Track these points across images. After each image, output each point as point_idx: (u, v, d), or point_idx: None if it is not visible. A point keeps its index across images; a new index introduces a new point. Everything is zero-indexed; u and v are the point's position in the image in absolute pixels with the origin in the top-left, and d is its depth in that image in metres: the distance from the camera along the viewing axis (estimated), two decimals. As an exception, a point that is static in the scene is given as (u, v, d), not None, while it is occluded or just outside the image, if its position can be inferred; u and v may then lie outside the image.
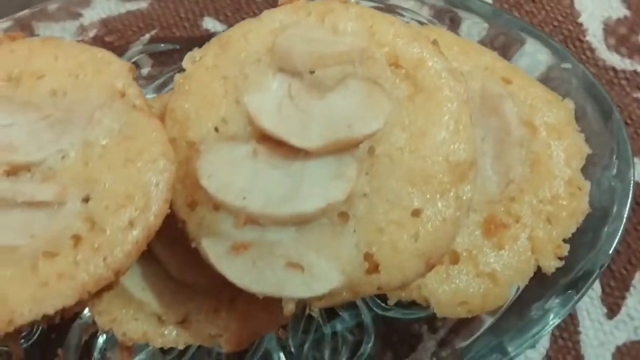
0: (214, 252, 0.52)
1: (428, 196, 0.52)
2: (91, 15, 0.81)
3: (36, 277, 0.49)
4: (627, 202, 0.65)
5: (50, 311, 0.48)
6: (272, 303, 0.52)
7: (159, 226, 0.52)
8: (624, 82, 0.79)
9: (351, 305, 0.68)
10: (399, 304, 0.63)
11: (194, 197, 0.54)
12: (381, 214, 0.52)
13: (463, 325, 0.65)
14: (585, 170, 0.65)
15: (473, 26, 0.72)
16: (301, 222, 0.52)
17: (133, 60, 0.79)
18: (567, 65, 0.69)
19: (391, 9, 0.71)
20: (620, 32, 0.82)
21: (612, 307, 0.71)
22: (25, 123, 0.54)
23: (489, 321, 0.63)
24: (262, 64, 0.57)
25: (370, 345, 0.68)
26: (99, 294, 0.52)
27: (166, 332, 0.59)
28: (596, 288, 0.72)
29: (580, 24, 0.82)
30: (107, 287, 0.52)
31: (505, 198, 0.62)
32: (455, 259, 0.60)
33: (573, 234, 0.63)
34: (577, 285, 0.62)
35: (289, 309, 0.52)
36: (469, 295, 0.60)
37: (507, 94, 0.65)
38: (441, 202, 0.52)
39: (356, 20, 0.57)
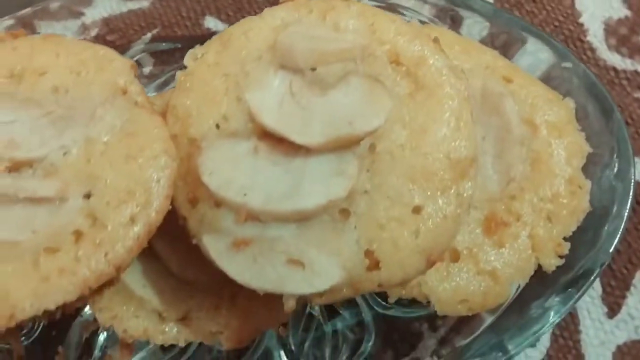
0: (215, 248, 0.52)
1: (429, 193, 0.52)
2: (93, 14, 0.81)
3: (37, 273, 0.49)
4: (627, 202, 0.65)
5: (52, 306, 0.48)
6: (273, 300, 0.52)
7: (160, 222, 0.52)
8: (624, 82, 0.80)
9: (352, 304, 0.68)
10: (400, 303, 0.63)
11: (195, 194, 0.54)
12: (382, 210, 0.52)
13: (463, 323, 0.65)
14: (585, 170, 0.65)
15: (474, 25, 0.72)
16: (302, 218, 0.52)
17: (135, 59, 0.79)
18: (568, 65, 0.70)
19: (392, 8, 0.71)
20: (621, 33, 0.82)
21: (613, 306, 0.71)
22: (27, 120, 0.54)
23: (489, 319, 0.63)
24: (264, 61, 0.57)
25: (370, 343, 0.68)
26: (100, 290, 0.52)
27: (167, 329, 0.59)
28: (597, 287, 0.72)
29: (581, 24, 0.83)
30: (108, 283, 0.52)
31: (506, 196, 0.62)
32: (455, 256, 0.60)
33: (573, 233, 0.63)
34: (578, 283, 0.62)
35: (290, 305, 0.52)
36: (470, 293, 0.60)
37: (508, 92, 0.65)
38: (442, 199, 0.52)
39: (357, 17, 0.57)
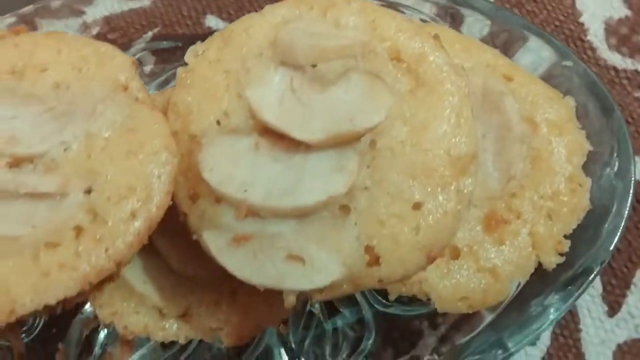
0: (215, 244, 0.52)
1: (429, 189, 0.52)
2: (94, 13, 0.81)
3: (38, 268, 0.49)
4: (627, 200, 0.65)
5: (52, 301, 0.48)
6: (273, 296, 0.52)
7: (161, 218, 0.52)
8: (625, 82, 0.80)
9: (352, 302, 0.68)
10: (400, 301, 0.63)
11: (195, 190, 0.54)
12: (382, 206, 0.52)
13: (464, 321, 0.65)
14: (585, 168, 0.65)
15: (475, 23, 0.72)
16: (302, 214, 0.52)
17: (136, 57, 0.79)
18: (569, 63, 0.70)
19: (393, 7, 0.71)
20: (622, 32, 0.82)
21: (613, 305, 0.71)
22: (28, 115, 0.54)
23: (489, 317, 0.63)
24: (264, 58, 0.57)
25: (370, 341, 0.68)
26: (100, 285, 0.52)
27: (167, 326, 0.59)
28: (597, 286, 0.72)
29: (582, 24, 0.83)
30: (109, 279, 0.52)
31: (506, 194, 0.62)
32: (456, 254, 0.61)
33: (574, 231, 0.63)
34: (578, 281, 0.62)
35: (290, 301, 0.52)
36: (470, 290, 0.60)
37: (508, 91, 0.65)
38: (442, 195, 0.52)
39: (358, 14, 0.57)
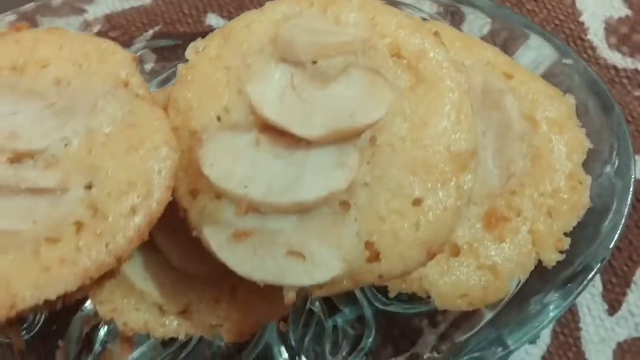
0: (216, 240, 0.52)
1: (429, 185, 0.52)
2: (95, 11, 0.81)
3: (38, 263, 0.49)
4: (627, 199, 0.65)
5: (53, 296, 0.48)
6: (274, 292, 0.52)
7: (161, 213, 0.52)
8: (625, 81, 0.80)
9: (352, 300, 0.68)
10: (400, 299, 0.63)
11: (196, 186, 0.54)
12: (382, 203, 0.52)
13: (464, 319, 0.65)
14: (585, 167, 0.65)
15: (476, 22, 0.72)
16: (303, 210, 0.52)
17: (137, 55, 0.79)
18: (569, 62, 0.70)
19: (394, 4, 0.71)
20: (622, 32, 0.82)
21: (613, 303, 0.71)
22: (29, 112, 0.55)
23: (489, 315, 0.63)
24: (265, 55, 0.57)
25: (371, 339, 0.68)
26: (100, 281, 0.52)
27: (167, 323, 0.59)
28: (597, 285, 0.72)
29: (582, 23, 0.83)
30: (109, 275, 0.52)
31: (507, 192, 0.62)
32: (456, 251, 0.61)
33: (574, 229, 0.63)
34: (578, 279, 0.62)
35: (290, 297, 0.52)
36: (470, 287, 0.60)
37: (508, 89, 0.65)
38: (442, 191, 0.52)
39: (359, 11, 0.57)
